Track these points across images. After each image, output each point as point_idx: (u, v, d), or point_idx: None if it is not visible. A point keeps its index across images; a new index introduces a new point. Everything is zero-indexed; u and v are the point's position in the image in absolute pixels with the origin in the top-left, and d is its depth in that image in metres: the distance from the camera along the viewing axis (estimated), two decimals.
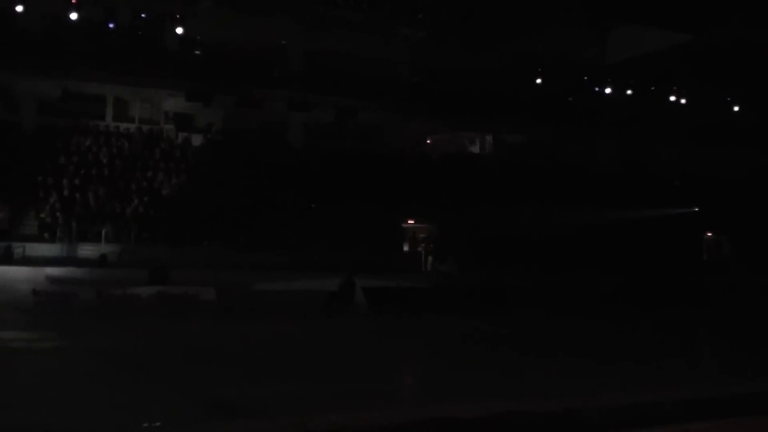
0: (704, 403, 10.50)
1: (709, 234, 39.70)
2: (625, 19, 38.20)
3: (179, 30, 33.28)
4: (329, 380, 11.11)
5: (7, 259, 24.12)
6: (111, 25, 33.17)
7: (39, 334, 14.93)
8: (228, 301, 21.37)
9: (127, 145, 32.78)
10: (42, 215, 27.22)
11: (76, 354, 13.05)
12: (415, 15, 37.40)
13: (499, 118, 39.91)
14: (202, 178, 31.57)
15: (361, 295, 21.98)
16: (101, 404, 9.25)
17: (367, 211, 29.82)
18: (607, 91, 41.38)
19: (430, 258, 31.84)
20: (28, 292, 19.91)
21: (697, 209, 39.35)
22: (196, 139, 35.28)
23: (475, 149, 43.65)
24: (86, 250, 26.06)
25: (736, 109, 43.90)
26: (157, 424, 8.35)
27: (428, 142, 42.44)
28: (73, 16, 31.31)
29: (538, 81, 40.08)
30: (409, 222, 33.54)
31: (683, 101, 42.38)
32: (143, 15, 34.08)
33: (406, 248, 33.00)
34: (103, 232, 26.81)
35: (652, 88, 42.48)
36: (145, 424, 8.23)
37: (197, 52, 35.64)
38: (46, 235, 26.46)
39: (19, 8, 30.69)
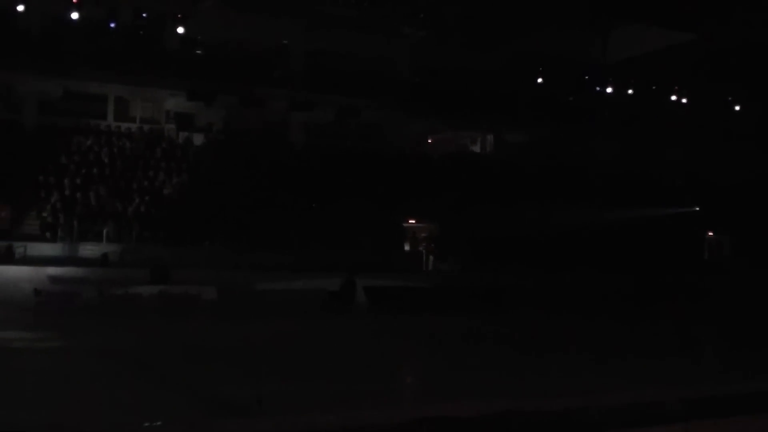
0: (706, 402, 10.52)
1: (710, 234, 39.69)
2: (626, 18, 38.18)
3: (180, 29, 33.23)
4: (330, 380, 11.13)
5: (9, 258, 24.12)
6: (112, 25, 33.13)
7: (40, 334, 14.97)
8: (229, 300, 21.39)
9: (129, 145, 32.77)
10: (43, 215, 27.22)
11: (78, 353, 13.08)
12: (416, 14, 37.38)
13: (500, 118, 39.87)
14: (203, 177, 31.56)
15: (363, 295, 22.01)
16: (103, 403, 9.27)
17: (368, 210, 29.80)
18: (609, 90, 41.36)
19: (431, 257, 31.85)
20: (30, 291, 19.96)
21: (698, 209, 39.33)
22: (198, 139, 35.25)
23: (476, 149, 43.63)
24: (88, 250, 26.05)
25: (737, 108, 43.87)
26: (158, 423, 8.37)
27: (429, 141, 42.41)
28: (75, 15, 31.30)
29: (540, 80, 40.06)
30: (410, 221, 33.54)
31: (684, 101, 42.35)
32: (144, 14, 34.04)
33: (407, 248, 33.00)
34: (105, 231, 26.80)
35: (654, 87, 42.46)
36: (146, 423, 8.25)
37: (198, 51, 35.63)
38: (47, 234, 26.45)
39: (21, 8, 30.69)
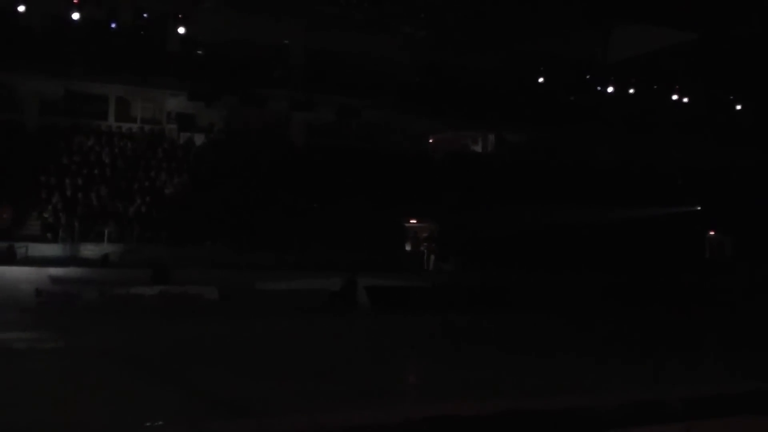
0: (707, 401, 10.52)
1: (712, 233, 39.66)
2: (626, 18, 38.15)
3: (181, 30, 33.30)
4: (330, 379, 11.14)
5: (10, 259, 24.17)
6: (113, 25, 33.18)
7: (41, 334, 14.96)
8: (230, 300, 21.39)
9: (130, 145, 32.82)
10: (44, 215, 27.27)
11: (79, 354, 13.08)
12: (418, 14, 37.38)
13: (502, 117, 39.90)
14: (204, 177, 31.61)
15: (364, 295, 22.01)
16: (104, 404, 9.28)
17: (370, 210, 29.83)
18: (609, 90, 41.35)
19: (432, 257, 31.87)
20: (31, 292, 19.94)
21: (699, 208, 39.31)
22: (199, 139, 35.31)
23: (478, 148, 43.64)
24: (89, 250, 26.12)
25: (738, 107, 43.85)
26: (159, 423, 8.38)
27: (430, 141, 42.43)
28: (75, 15, 31.35)
29: (541, 80, 40.06)
30: (412, 221, 33.55)
31: (686, 100, 42.34)
32: (145, 15, 34.08)
33: (408, 248, 33.02)
34: (106, 231, 26.86)
35: (655, 86, 42.44)
36: (148, 424, 8.27)
37: (199, 51, 35.68)
38: (48, 235, 26.51)
39: (22, 8, 30.73)
